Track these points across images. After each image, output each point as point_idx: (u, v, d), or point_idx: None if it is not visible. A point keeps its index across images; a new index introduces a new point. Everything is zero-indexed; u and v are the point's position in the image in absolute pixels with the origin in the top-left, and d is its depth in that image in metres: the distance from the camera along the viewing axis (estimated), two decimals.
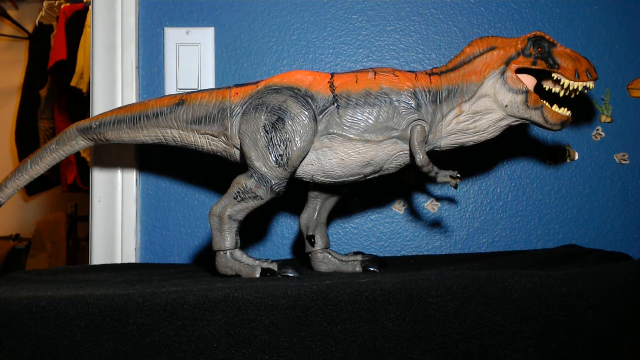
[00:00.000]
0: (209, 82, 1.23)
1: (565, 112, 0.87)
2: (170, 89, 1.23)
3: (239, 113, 0.87)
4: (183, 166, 1.23)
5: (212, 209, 0.86)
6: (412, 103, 0.85)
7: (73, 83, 2.55)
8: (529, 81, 0.87)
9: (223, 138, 0.89)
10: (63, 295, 0.70)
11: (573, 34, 1.23)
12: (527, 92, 0.85)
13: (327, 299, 0.68)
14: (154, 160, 1.24)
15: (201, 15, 1.24)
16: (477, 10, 1.24)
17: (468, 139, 0.89)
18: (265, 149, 0.83)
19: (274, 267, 0.85)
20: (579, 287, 0.69)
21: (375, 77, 0.86)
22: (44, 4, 2.94)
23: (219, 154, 0.92)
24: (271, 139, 0.83)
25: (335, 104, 0.85)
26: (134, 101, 1.22)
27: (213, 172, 1.23)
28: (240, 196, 0.84)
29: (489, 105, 0.86)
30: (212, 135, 0.89)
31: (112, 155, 1.23)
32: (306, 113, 0.84)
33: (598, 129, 1.23)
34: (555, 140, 1.23)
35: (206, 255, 1.23)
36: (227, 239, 0.85)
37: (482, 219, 1.23)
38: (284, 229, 1.24)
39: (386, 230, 1.24)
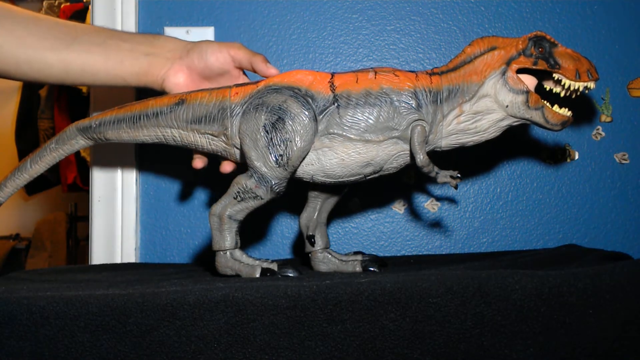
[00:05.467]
0: None
1: (566, 112, 0.87)
2: None
3: (239, 113, 0.87)
4: (183, 166, 1.23)
5: (212, 208, 0.86)
6: (413, 103, 0.85)
7: None
8: (530, 81, 0.86)
9: (223, 138, 0.89)
10: (63, 295, 0.70)
11: (573, 33, 1.23)
12: (527, 92, 0.85)
13: (327, 299, 0.68)
14: (154, 160, 1.24)
15: (201, 15, 1.24)
16: (477, 10, 1.24)
17: (469, 139, 0.89)
18: (266, 149, 0.83)
19: (274, 267, 0.85)
20: (579, 287, 0.69)
21: (375, 77, 0.86)
22: (44, 3, 2.93)
23: (219, 153, 0.92)
24: (271, 139, 0.83)
25: (336, 104, 0.85)
26: (134, 101, 1.22)
27: (213, 172, 1.23)
28: (240, 196, 0.84)
29: (490, 105, 0.86)
30: (212, 135, 0.89)
31: (112, 155, 1.23)
32: (306, 113, 0.84)
33: (598, 129, 1.23)
34: (556, 140, 1.23)
35: (206, 255, 1.23)
36: (227, 238, 0.85)
37: (482, 219, 1.23)
38: (284, 228, 1.24)
39: (386, 230, 1.24)
